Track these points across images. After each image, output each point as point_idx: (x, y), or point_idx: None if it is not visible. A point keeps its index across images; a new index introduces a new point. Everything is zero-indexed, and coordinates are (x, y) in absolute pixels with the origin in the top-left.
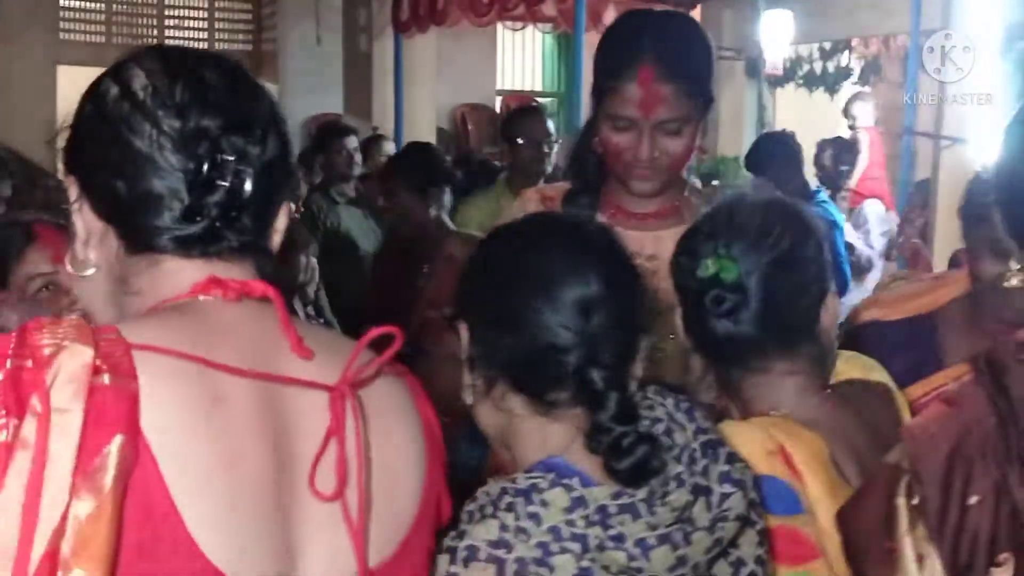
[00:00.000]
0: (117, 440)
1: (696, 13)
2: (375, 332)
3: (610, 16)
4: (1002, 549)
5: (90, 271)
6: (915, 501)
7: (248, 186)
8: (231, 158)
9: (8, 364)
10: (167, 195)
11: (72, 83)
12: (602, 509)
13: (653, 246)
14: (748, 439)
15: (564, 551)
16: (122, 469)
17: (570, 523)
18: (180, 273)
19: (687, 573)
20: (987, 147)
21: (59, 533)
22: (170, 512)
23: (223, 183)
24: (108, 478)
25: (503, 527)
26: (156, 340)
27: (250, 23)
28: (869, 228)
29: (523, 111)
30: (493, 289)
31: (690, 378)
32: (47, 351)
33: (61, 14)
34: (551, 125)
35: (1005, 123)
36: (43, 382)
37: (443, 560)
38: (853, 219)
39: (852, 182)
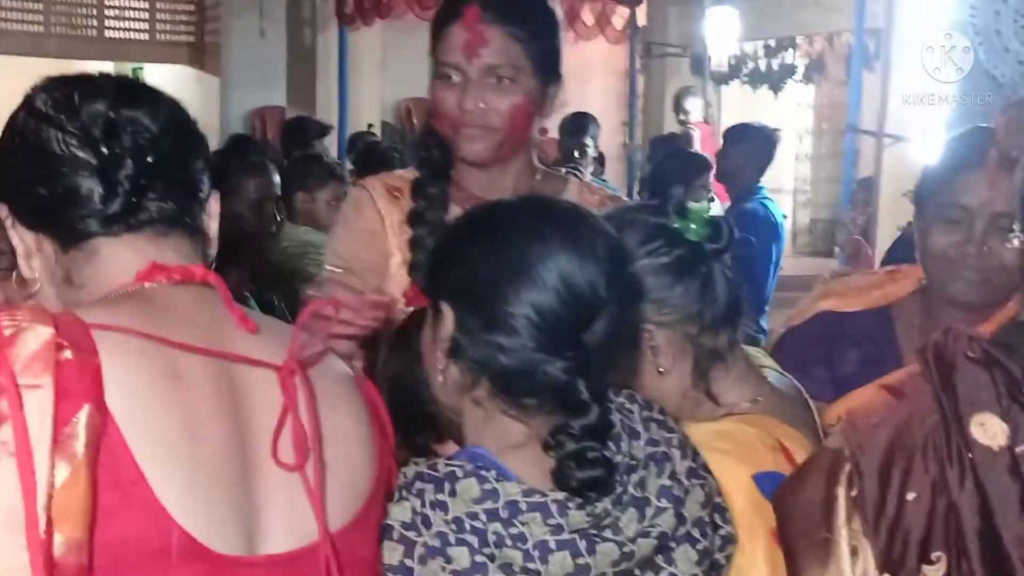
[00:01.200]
0: (85, 409)
1: (642, 9)
2: (311, 309)
3: (559, 12)
4: (936, 548)
5: (37, 286)
6: (854, 493)
7: (149, 153)
8: (127, 129)
9: None
10: (84, 185)
11: (11, 72)
12: (512, 504)
13: None
14: (751, 436)
15: (461, 543)
16: (91, 437)
17: (472, 515)
18: (118, 258)
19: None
20: (929, 146)
21: (48, 497)
22: (137, 478)
23: (124, 153)
24: (80, 445)
25: (414, 511)
26: (112, 320)
27: (192, 15)
28: None
29: None
30: (493, 288)
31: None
32: (8, 331)
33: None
34: None
35: (951, 121)
36: (7, 360)
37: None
38: None
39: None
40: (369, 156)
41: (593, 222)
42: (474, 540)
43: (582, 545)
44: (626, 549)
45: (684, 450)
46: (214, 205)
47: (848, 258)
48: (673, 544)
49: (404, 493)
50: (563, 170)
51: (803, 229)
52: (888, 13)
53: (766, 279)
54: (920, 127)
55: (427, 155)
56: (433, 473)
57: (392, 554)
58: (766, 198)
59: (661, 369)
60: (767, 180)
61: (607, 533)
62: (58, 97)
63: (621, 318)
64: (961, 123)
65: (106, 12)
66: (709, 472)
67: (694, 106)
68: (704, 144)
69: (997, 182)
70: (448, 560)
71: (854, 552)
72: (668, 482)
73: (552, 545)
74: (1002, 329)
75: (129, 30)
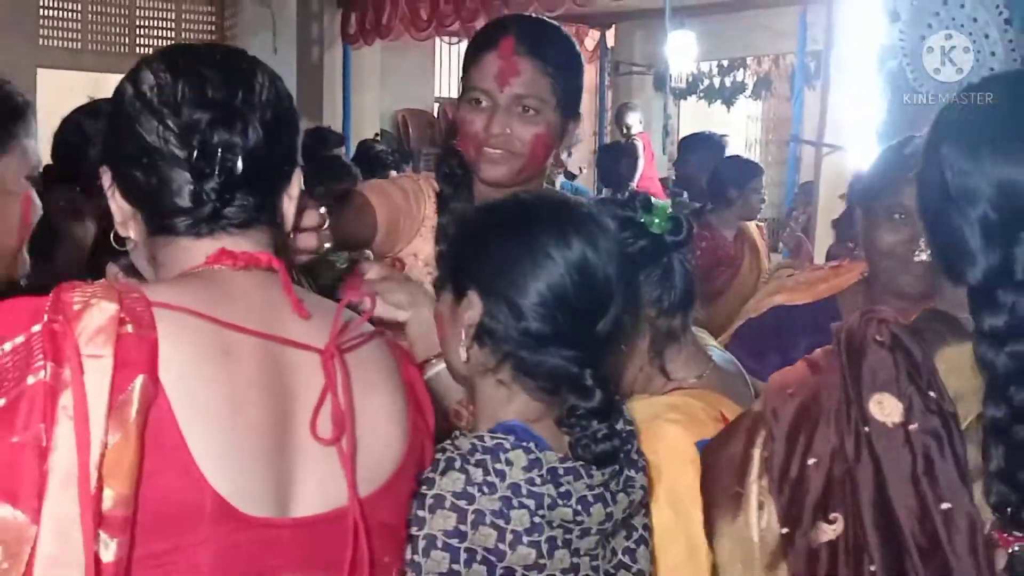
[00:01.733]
0: (140, 379)
1: (611, 32)
2: (348, 298)
3: (574, 43)
4: (834, 509)
5: (131, 245)
6: (766, 454)
7: (238, 170)
8: (219, 148)
9: (45, 319)
10: (175, 182)
11: (51, 85)
12: (553, 470)
13: None
14: (696, 407)
15: (522, 506)
16: (143, 405)
17: (529, 481)
18: (196, 250)
19: (609, 527)
20: (862, 153)
21: (100, 458)
22: (179, 444)
23: (215, 170)
24: (132, 411)
25: (469, 481)
26: (173, 300)
27: (213, 34)
28: None
29: None
30: (523, 283)
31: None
32: (76, 307)
33: (41, 22)
34: None
35: (882, 132)
36: (72, 334)
37: (412, 504)
38: None
39: (634, 183)
40: (370, 160)
41: (605, 224)
42: (531, 503)
43: (608, 497)
44: (632, 497)
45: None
46: (295, 186)
47: (791, 251)
48: (642, 508)
49: (458, 464)
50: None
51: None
52: (827, 37)
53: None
54: (854, 138)
55: (449, 171)
56: (486, 445)
57: (446, 521)
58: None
59: (623, 347)
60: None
61: (616, 486)
62: (165, 87)
63: (624, 311)
64: (890, 135)
65: (137, 31)
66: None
67: (633, 120)
68: (646, 150)
69: None
70: (508, 521)
71: (761, 506)
72: (635, 456)
73: (590, 499)
74: (919, 315)
75: (157, 48)
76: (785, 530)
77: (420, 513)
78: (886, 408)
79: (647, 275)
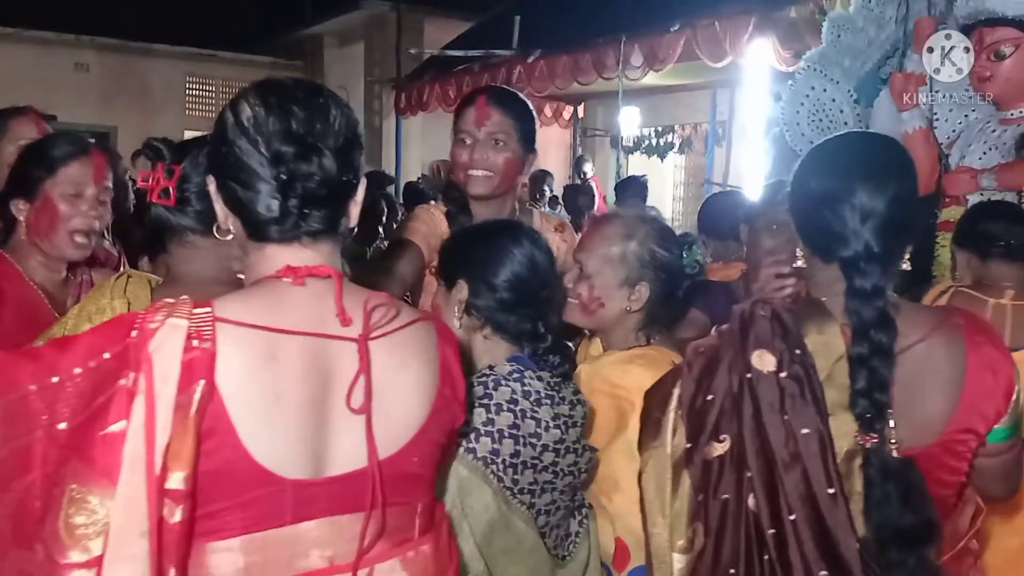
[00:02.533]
0: (200, 384)
1: (581, 107)
2: (375, 298)
3: (529, 104)
4: (724, 432)
5: (229, 236)
6: (680, 392)
7: (314, 192)
8: (300, 176)
9: (134, 334)
10: (265, 197)
11: None
12: (550, 383)
13: None
14: (655, 356)
15: (543, 404)
16: (202, 404)
17: (545, 387)
18: (277, 258)
19: (581, 422)
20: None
21: (165, 448)
22: (230, 429)
23: (296, 192)
24: (192, 410)
25: (512, 392)
26: (234, 314)
27: None
28: None
29: None
30: (493, 268)
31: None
32: (152, 326)
33: (187, 96)
34: None
35: (770, 180)
36: (146, 349)
37: (479, 413)
38: None
39: (595, 210)
40: (415, 195)
41: (538, 234)
42: (548, 403)
43: (579, 403)
44: (585, 410)
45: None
46: (360, 192)
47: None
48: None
49: (504, 383)
50: (528, 205)
51: None
52: (730, 111)
53: None
54: (749, 181)
55: (453, 196)
56: (512, 371)
57: (506, 419)
58: None
59: (634, 309)
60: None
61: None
62: (259, 116)
63: (557, 288)
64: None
65: None
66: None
67: (588, 167)
68: (598, 190)
69: None
70: (539, 414)
71: (675, 430)
72: (576, 389)
73: (575, 400)
74: (794, 300)
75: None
76: (688, 445)
77: (488, 415)
78: (764, 360)
79: (665, 282)
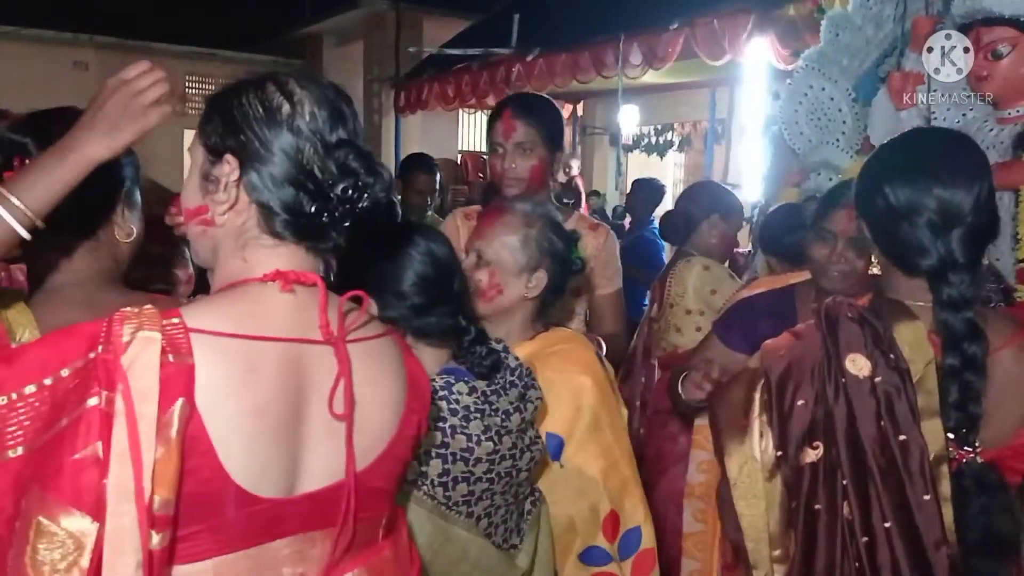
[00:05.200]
0: (179, 402)
1: (581, 105)
2: (349, 294)
3: (554, 104)
4: (816, 438)
5: (199, 232)
6: (764, 397)
7: (360, 206)
8: (355, 195)
9: (100, 349)
10: (305, 195)
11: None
12: (484, 393)
13: None
14: (584, 343)
15: (472, 419)
16: (182, 423)
17: (475, 401)
18: (271, 256)
19: (526, 427)
20: (753, 191)
21: (152, 472)
22: (209, 450)
23: (336, 206)
24: (174, 431)
25: (439, 410)
26: (210, 324)
27: None
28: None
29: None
30: (399, 275)
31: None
32: (124, 339)
33: (187, 95)
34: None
35: (767, 176)
36: (120, 366)
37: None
38: None
39: (582, 208)
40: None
41: (429, 227)
42: (478, 415)
43: (520, 408)
44: (532, 407)
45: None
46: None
47: None
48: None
49: (439, 396)
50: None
51: None
52: (730, 109)
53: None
54: (747, 179)
55: (491, 197)
56: (441, 385)
57: (433, 438)
58: (655, 228)
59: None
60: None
61: (522, 401)
62: (316, 112)
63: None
64: (771, 177)
65: None
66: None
67: (574, 164)
68: (582, 187)
69: (852, 218)
70: (467, 429)
71: (761, 435)
72: (533, 381)
73: (511, 409)
74: (871, 303)
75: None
76: (779, 453)
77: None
78: (858, 364)
79: (557, 272)
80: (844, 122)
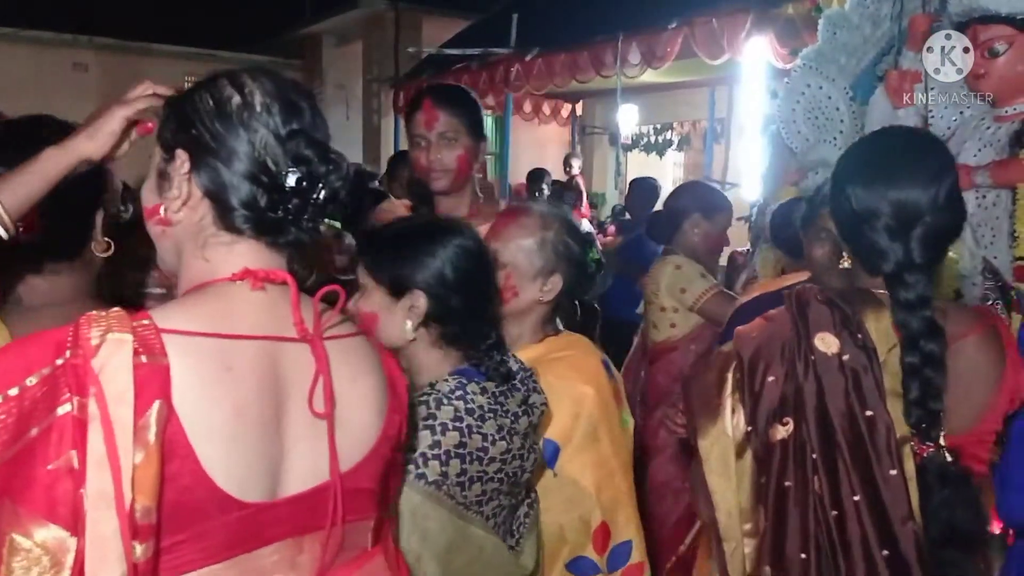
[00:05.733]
0: (156, 405)
1: (580, 104)
2: (323, 291)
3: (528, 106)
4: (786, 415)
5: (159, 232)
6: (737, 376)
7: (319, 199)
8: (321, 184)
9: (67, 354)
10: (259, 187)
11: None
12: (493, 394)
13: None
14: (591, 350)
15: (487, 419)
16: (160, 426)
17: (488, 401)
18: (241, 258)
19: (530, 431)
20: (752, 190)
21: (132, 478)
22: (189, 454)
23: (308, 190)
24: (151, 435)
25: (456, 410)
26: (182, 324)
27: None
28: None
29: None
30: (454, 283)
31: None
32: (94, 342)
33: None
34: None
35: (766, 175)
36: (91, 369)
37: (425, 435)
38: None
39: (583, 208)
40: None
41: (460, 221)
42: (491, 415)
43: (527, 411)
44: (538, 412)
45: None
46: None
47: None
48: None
49: (446, 401)
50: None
51: None
52: (729, 108)
53: None
54: (746, 178)
55: (418, 193)
56: (455, 385)
57: (452, 438)
58: None
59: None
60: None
61: (526, 406)
62: (270, 105)
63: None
64: (770, 176)
65: None
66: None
67: (576, 163)
68: (583, 187)
69: None
70: (483, 428)
71: (733, 412)
72: (536, 385)
73: (519, 411)
74: (841, 291)
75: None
76: (749, 428)
77: (435, 438)
78: (827, 342)
79: (573, 276)
80: (842, 121)
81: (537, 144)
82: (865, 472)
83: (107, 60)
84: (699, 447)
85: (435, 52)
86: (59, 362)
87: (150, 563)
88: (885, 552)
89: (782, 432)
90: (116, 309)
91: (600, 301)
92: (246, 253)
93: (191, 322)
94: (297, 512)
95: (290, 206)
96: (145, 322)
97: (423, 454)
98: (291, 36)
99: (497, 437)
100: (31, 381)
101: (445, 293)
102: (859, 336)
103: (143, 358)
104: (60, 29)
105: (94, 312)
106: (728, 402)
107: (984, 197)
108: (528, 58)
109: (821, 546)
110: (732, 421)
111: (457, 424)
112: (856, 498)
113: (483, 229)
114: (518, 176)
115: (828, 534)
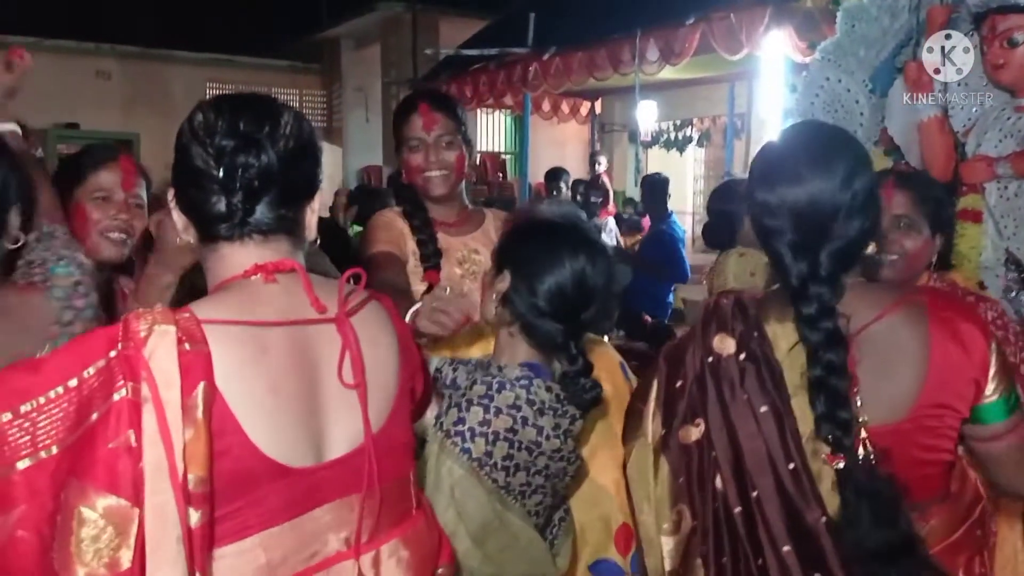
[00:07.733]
0: (201, 386)
1: (599, 102)
2: (348, 273)
3: (546, 105)
4: (697, 415)
5: (189, 239)
6: (659, 381)
7: (260, 183)
8: (239, 168)
9: (119, 346)
10: (213, 196)
11: None
12: (557, 395)
13: (467, 245)
14: (608, 351)
15: (546, 413)
16: (206, 404)
17: (551, 399)
18: (232, 257)
19: (579, 438)
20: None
21: (183, 451)
22: (236, 428)
23: (237, 186)
24: (199, 412)
25: (516, 397)
26: (218, 314)
27: (325, 110)
28: (609, 233)
29: None
30: (539, 271)
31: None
32: (143, 334)
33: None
34: None
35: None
36: (143, 357)
37: (477, 412)
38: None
39: (609, 206)
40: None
41: (603, 247)
42: (550, 410)
43: (576, 415)
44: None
45: None
46: (316, 203)
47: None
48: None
49: (508, 387)
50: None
51: (698, 236)
52: (748, 103)
53: (682, 268)
54: None
55: (407, 198)
56: (519, 375)
57: (503, 421)
58: (674, 221)
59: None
60: (675, 207)
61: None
62: (209, 120)
63: (606, 306)
64: None
65: None
66: None
67: (601, 161)
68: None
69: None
70: (538, 421)
71: (654, 416)
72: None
73: (573, 408)
74: (769, 291)
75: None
76: (663, 430)
77: (486, 416)
78: (724, 343)
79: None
80: (861, 113)
81: (556, 143)
82: (764, 467)
83: (130, 68)
84: (625, 450)
85: (453, 53)
86: (112, 354)
87: (206, 528)
88: (786, 548)
89: (695, 433)
90: (159, 306)
91: (621, 297)
92: (236, 254)
93: (225, 312)
94: (342, 474)
95: (236, 201)
96: (186, 315)
97: (471, 428)
98: (310, 40)
99: (552, 434)
100: (88, 373)
101: (526, 283)
102: (755, 334)
103: (187, 345)
104: (83, 38)
105: (141, 309)
106: (651, 407)
107: (1006, 188)
108: (546, 57)
109: (732, 544)
110: (652, 424)
111: (512, 411)
112: (755, 494)
113: (472, 236)
114: (538, 175)
115: (734, 530)
